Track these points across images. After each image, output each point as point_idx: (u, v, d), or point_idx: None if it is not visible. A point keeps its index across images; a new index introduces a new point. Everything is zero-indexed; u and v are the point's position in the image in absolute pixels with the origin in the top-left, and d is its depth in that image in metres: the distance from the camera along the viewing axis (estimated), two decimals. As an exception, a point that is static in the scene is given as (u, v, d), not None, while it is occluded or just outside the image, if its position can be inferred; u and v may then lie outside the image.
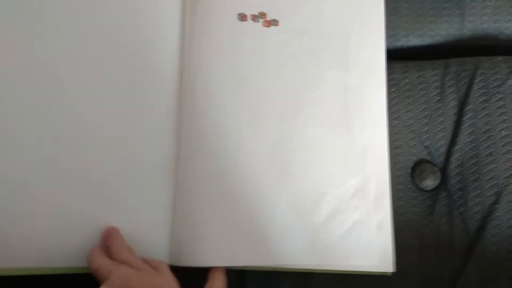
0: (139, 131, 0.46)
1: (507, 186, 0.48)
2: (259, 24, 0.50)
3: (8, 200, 0.42)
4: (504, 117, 0.50)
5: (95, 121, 0.45)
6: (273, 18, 0.50)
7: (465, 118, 0.50)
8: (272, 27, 0.50)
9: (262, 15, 0.50)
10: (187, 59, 0.49)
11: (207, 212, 0.46)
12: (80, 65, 0.46)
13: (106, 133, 0.45)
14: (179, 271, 0.42)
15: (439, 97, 0.51)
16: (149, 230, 0.45)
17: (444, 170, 0.50)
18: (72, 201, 0.44)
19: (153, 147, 0.46)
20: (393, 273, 0.46)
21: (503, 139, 0.49)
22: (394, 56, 0.53)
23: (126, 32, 0.48)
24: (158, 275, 0.41)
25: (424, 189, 0.49)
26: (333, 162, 0.48)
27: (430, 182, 0.49)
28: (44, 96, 0.44)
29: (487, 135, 0.49)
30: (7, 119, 0.43)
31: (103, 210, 0.44)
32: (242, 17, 0.50)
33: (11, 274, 0.42)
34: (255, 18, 0.50)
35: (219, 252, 0.45)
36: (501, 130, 0.49)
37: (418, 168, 0.50)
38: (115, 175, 0.45)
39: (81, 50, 0.46)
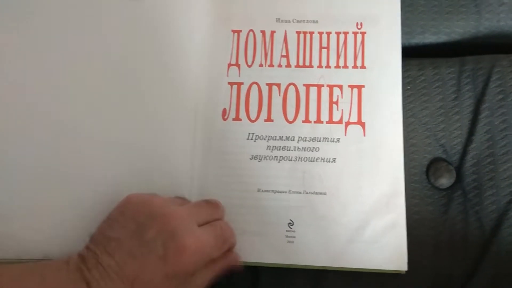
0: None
1: (523, 185, 0.48)
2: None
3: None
4: (521, 116, 0.49)
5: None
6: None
7: (481, 116, 0.50)
8: None
9: None
10: None
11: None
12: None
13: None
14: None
15: (455, 95, 0.51)
16: None
17: (459, 169, 0.50)
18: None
19: None
20: (406, 271, 0.46)
21: (520, 138, 0.49)
22: (410, 53, 0.53)
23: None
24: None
25: (439, 187, 0.49)
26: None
27: (445, 181, 0.49)
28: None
29: (504, 134, 0.49)
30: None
31: None
32: None
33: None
34: None
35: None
36: (518, 129, 0.49)
37: (433, 166, 0.49)
38: None
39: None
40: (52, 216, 0.43)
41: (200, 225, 0.41)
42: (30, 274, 0.35)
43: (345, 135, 0.48)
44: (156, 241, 0.37)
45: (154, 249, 0.37)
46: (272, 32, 0.51)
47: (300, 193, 0.47)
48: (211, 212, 0.44)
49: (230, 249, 0.44)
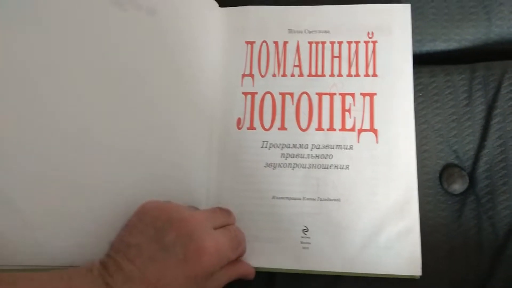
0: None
1: (536, 189, 0.48)
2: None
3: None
4: (532, 121, 0.50)
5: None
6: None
7: (493, 122, 0.50)
8: None
9: None
10: None
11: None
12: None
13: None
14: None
15: (467, 101, 0.51)
16: None
17: (472, 174, 0.50)
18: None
19: None
20: (420, 276, 0.46)
21: (532, 143, 0.49)
22: (421, 60, 0.54)
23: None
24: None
25: (452, 193, 0.50)
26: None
27: (458, 186, 0.49)
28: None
29: (516, 139, 0.49)
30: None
31: None
32: None
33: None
34: None
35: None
36: (530, 134, 0.49)
37: (446, 172, 0.50)
38: None
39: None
40: (72, 224, 0.44)
41: (215, 229, 0.42)
42: (58, 279, 0.36)
43: (358, 142, 0.49)
44: (176, 244, 0.38)
45: (174, 252, 0.38)
46: (285, 43, 0.52)
47: (314, 200, 0.48)
48: (225, 217, 0.46)
49: (241, 255, 0.46)
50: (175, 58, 0.49)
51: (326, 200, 0.48)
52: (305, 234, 0.47)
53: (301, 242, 0.47)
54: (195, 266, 0.38)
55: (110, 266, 0.37)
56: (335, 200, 0.48)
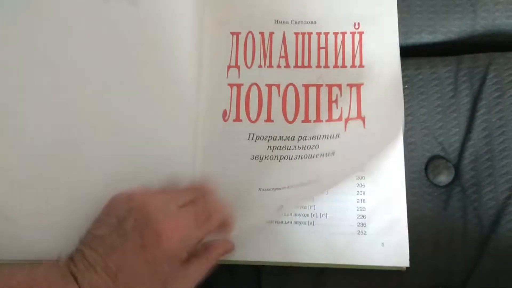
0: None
1: (521, 181, 0.48)
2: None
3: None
4: (517, 113, 0.50)
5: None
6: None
7: (478, 113, 0.50)
8: None
9: None
10: None
11: None
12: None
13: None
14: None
15: (452, 93, 0.51)
16: None
17: (457, 166, 0.50)
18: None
19: None
20: (407, 268, 0.46)
21: (517, 134, 0.49)
22: (407, 53, 0.53)
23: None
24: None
25: (438, 184, 0.50)
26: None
27: (444, 178, 0.49)
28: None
29: (501, 131, 0.50)
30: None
31: None
32: None
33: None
34: None
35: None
36: (515, 125, 0.50)
37: (432, 164, 0.50)
38: None
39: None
40: (52, 218, 0.43)
41: (181, 207, 0.41)
42: (19, 271, 0.36)
43: (345, 130, 0.48)
44: (134, 230, 0.37)
45: (132, 239, 0.37)
46: (271, 34, 0.52)
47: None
48: (194, 193, 0.43)
49: (225, 226, 0.43)
50: (158, 49, 0.49)
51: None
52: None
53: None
54: (153, 250, 0.37)
55: (75, 256, 0.37)
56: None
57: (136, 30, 0.48)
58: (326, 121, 0.49)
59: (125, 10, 0.48)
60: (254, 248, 0.47)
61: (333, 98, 0.49)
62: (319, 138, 0.48)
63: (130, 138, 0.46)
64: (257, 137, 0.49)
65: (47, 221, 0.43)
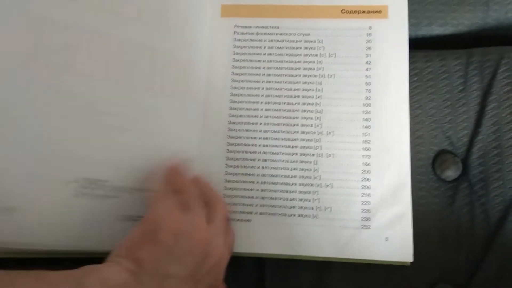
0: None
1: (530, 177, 0.48)
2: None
3: None
4: (528, 108, 0.49)
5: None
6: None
7: (488, 108, 0.49)
8: None
9: None
10: None
11: None
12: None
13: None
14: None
15: (462, 87, 0.50)
16: None
17: (465, 161, 0.50)
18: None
19: None
20: (412, 263, 0.46)
21: (527, 130, 0.49)
22: (416, 45, 0.53)
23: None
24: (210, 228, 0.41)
25: (445, 179, 0.49)
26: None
27: (451, 173, 0.49)
28: None
29: (510, 126, 0.49)
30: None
31: None
32: None
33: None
34: None
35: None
36: (525, 121, 0.49)
37: (439, 158, 0.49)
38: None
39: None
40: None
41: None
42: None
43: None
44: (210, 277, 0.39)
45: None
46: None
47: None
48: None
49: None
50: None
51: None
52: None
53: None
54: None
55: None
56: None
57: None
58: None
59: None
60: (258, 240, 0.47)
61: None
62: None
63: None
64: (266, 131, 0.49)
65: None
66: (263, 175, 0.48)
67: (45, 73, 0.42)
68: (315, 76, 0.49)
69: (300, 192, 0.47)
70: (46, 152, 0.41)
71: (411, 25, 0.52)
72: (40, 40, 0.42)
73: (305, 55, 0.50)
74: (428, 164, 0.50)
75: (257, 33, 0.51)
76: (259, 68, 0.50)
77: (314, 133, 0.48)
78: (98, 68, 0.45)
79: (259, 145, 0.48)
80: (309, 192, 0.47)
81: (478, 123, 0.49)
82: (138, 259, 0.35)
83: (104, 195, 0.43)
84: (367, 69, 0.49)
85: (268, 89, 0.50)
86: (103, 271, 0.34)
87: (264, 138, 0.49)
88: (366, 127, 0.48)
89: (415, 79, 0.51)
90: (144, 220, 0.38)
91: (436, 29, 0.55)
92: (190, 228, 0.38)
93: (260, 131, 0.49)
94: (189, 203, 0.40)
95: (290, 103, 0.49)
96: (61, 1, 0.43)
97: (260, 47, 0.51)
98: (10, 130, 0.40)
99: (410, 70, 0.50)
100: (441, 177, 0.49)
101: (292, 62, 0.50)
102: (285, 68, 0.50)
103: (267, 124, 0.49)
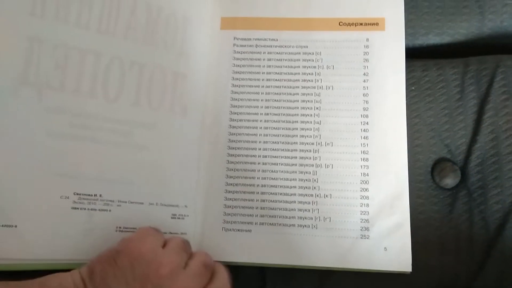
0: None
1: (528, 184, 0.48)
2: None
3: None
4: (525, 116, 0.49)
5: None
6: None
7: (485, 116, 0.50)
8: None
9: None
10: None
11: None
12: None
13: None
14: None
15: (459, 96, 0.51)
16: None
17: (464, 169, 0.50)
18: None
19: None
20: (412, 270, 0.46)
21: (524, 138, 0.49)
22: (413, 54, 0.53)
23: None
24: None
25: (444, 187, 0.49)
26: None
27: (450, 181, 0.49)
28: None
29: (508, 134, 0.49)
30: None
31: None
32: None
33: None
34: None
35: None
36: (522, 128, 0.49)
37: (438, 166, 0.50)
38: None
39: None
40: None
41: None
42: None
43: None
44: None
45: None
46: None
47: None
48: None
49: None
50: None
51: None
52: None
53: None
54: None
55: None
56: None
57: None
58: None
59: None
60: (258, 250, 0.47)
61: None
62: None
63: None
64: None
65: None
66: (263, 186, 0.48)
67: (36, 91, 0.43)
68: (314, 87, 0.50)
69: (300, 202, 0.48)
70: (42, 168, 0.43)
71: (408, 34, 0.53)
72: (30, 59, 0.43)
73: (304, 67, 0.51)
74: (427, 172, 0.50)
75: (256, 45, 0.52)
76: (258, 80, 0.51)
77: (313, 144, 0.49)
78: (91, 85, 0.46)
79: (259, 156, 0.49)
80: (309, 203, 0.48)
81: (475, 131, 0.50)
82: (93, 271, 0.38)
83: (99, 208, 0.44)
84: (364, 81, 0.50)
85: (267, 100, 0.50)
86: (62, 277, 0.37)
87: (264, 149, 0.49)
88: (364, 137, 0.49)
89: (413, 88, 0.51)
90: (120, 240, 0.39)
91: (433, 39, 0.55)
92: (152, 259, 0.38)
93: (259, 142, 0.49)
94: (170, 242, 0.40)
95: (289, 115, 0.50)
96: (51, 20, 0.45)
97: (259, 59, 0.51)
98: (6, 150, 0.42)
99: (408, 79, 0.50)
100: (440, 185, 0.49)
101: (290, 74, 0.51)
102: (284, 80, 0.51)
103: (266, 135, 0.49)
